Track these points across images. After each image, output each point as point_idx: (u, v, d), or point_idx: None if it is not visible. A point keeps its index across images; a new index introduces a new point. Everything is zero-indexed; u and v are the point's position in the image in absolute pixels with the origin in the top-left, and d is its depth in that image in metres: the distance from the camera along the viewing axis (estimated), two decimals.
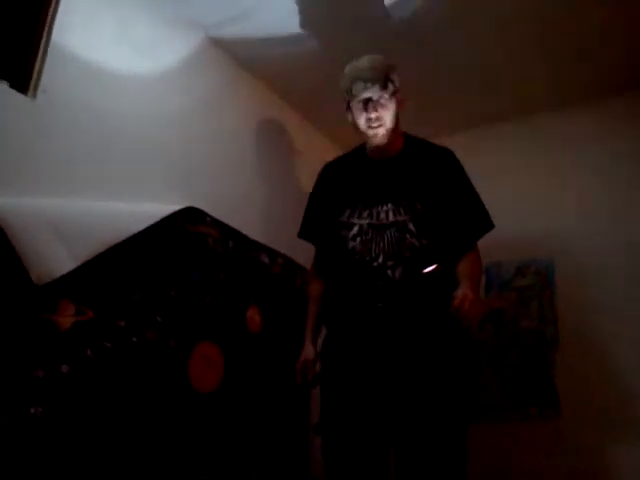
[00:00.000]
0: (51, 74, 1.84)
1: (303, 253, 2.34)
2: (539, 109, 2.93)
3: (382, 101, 1.84)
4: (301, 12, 2.36)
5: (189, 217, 2.20)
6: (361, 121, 1.87)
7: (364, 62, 1.87)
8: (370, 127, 1.86)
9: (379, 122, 1.84)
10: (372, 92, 1.83)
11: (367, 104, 1.83)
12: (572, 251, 2.69)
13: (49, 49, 1.83)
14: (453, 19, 2.36)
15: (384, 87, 1.83)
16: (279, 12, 2.35)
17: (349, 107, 1.91)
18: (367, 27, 2.40)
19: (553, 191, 2.81)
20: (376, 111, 1.83)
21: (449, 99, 2.89)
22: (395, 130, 1.90)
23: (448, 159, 1.92)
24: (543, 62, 2.60)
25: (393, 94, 1.86)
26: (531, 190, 2.85)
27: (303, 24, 2.42)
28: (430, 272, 1.57)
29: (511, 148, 3.00)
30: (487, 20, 2.36)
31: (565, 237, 2.71)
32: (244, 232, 2.46)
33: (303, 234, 2.06)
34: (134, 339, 1.91)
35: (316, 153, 2.76)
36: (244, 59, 2.66)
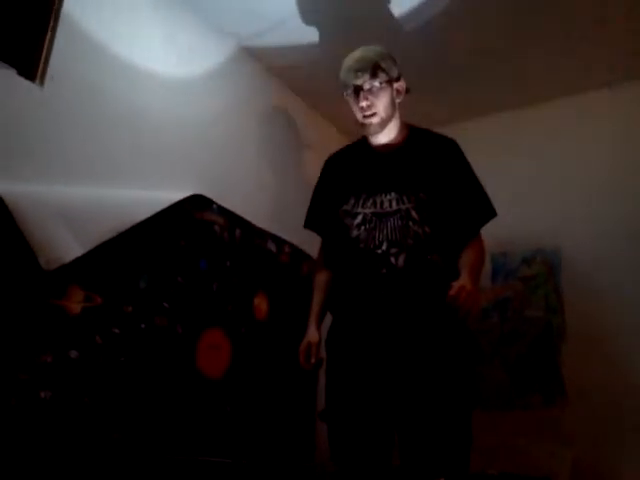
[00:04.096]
0: (64, 61, 1.86)
1: (310, 242, 2.34)
2: (544, 98, 2.92)
3: (373, 90, 1.83)
4: (322, 20, 2.46)
5: (196, 204, 2.22)
6: (356, 111, 1.87)
7: (356, 53, 1.87)
8: (364, 116, 1.85)
9: (371, 110, 1.83)
10: (361, 80, 1.83)
11: (359, 93, 1.84)
12: (578, 241, 2.68)
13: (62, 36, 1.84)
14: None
15: (374, 75, 1.82)
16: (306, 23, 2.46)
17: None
18: (384, 29, 2.42)
19: (559, 181, 2.79)
20: (367, 99, 1.83)
21: (454, 88, 2.87)
22: (395, 119, 1.90)
23: (451, 148, 1.92)
24: (544, 50, 2.58)
25: (388, 82, 1.85)
26: (537, 180, 2.84)
27: (325, 32, 2.49)
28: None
29: (517, 138, 2.98)
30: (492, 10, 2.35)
31: (571, 227, 2.71)
32: (251, 220, 2.47)
33: (308, 224, 2.06)
34: (142, 325, 1.93)
35: (325, 145, 2.77)
36: (259, 53, 2.71)
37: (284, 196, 2.75)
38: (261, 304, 2.46)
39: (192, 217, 2.20)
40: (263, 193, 2.67)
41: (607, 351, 2.49)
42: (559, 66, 2.68)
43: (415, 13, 2.37)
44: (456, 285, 1.59)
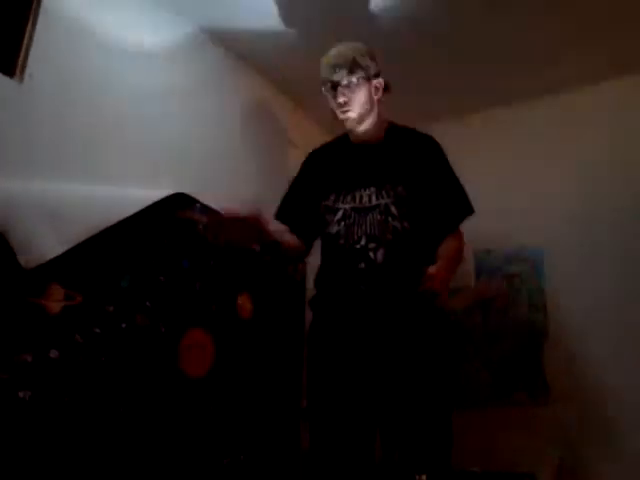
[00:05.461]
0: (39, 58, 1.84)
1: None
2: (527, 97, 2.93)
3: (351, 86, 1.84)
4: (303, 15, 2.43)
5: (178, 203, 2.20)
6: (334, 107, 1.88)
7: (334, 49, 1.89)
8: (342, 112, 1.87)
9: (348, 107, 1.85)
10: (338, 76, 1.84)
11: (336, 89, 1.84)
12: (562, 239, 2.70)
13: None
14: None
15: (351, 72, 1.84)
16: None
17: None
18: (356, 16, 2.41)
19: (543, 179, 2.81)
20: (344, 95, 1.84)
21: (437, 85, 2.89)
22: (373, 115, 1.90)
23: (430, 145, 1.93)
24: (536, 46, 2.60)
25: (365, 79, 1.86)
26: (521, 178, 2.86)
27: (291, 12, 2.43)
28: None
29: (500, 136, 3.00)
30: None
31: (555, 225, 2.73)
32: None
33: (279, 216, 2.06)
34: (123, 325, 1.91)
35: (308, 141, 2.77)
36: (236, 48, 2.69)
37: (267, 194, 2.74)
38: (245, 303, 2.45)
39: (175, 216, 2.18)
40: (246, 191, 2.66)
41: (590, 349, 2.51)
42: (545, 65, 2.70)
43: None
44: (431, 270, 1.60)
